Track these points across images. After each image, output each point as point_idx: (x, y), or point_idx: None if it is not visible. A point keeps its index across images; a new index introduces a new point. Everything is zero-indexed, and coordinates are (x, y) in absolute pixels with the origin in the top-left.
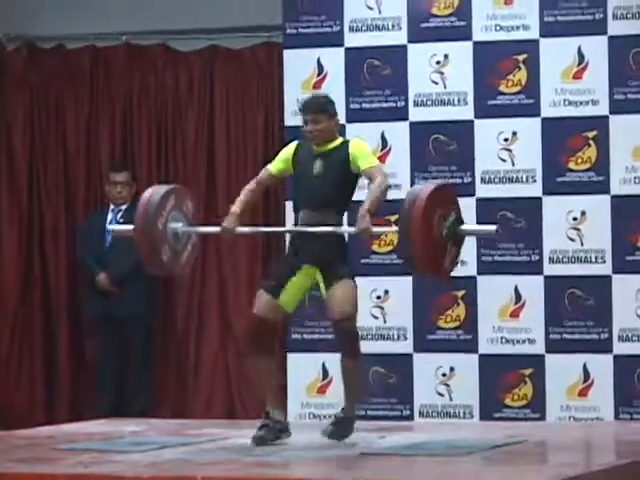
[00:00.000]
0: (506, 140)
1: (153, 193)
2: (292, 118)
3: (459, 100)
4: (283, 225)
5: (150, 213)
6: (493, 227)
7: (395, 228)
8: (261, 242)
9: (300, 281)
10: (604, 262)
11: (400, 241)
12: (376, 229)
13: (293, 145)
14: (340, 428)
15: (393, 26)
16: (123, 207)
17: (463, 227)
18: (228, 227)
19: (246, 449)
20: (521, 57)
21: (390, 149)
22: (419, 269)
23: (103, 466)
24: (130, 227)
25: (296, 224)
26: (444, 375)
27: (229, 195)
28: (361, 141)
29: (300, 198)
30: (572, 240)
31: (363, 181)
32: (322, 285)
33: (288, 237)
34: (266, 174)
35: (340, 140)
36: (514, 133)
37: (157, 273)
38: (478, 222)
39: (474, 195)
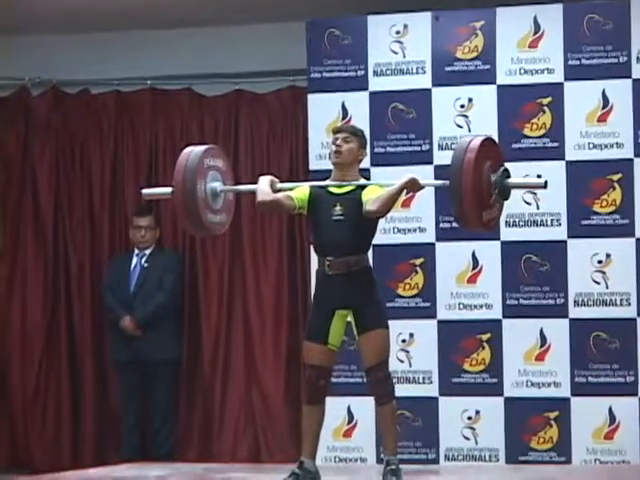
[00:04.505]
0: None
1: (192, 152)
2: (317, 162)
3: None
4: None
5: (190, 171)
6: (542, 180)
7: (444, 181)
8: (286, 282)
9: (338, 322)
10: (629, 305)
11: (451, 191)
12: (424, 182)
13: (306, 186)
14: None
15: (417, 70)
16: (147, 251)
17: (511, 180)
18: (272, 179)
19: None
20: (545, 100)
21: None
22: (468, 220)
23: None
24: (165, 189)
25: (323, 270)
26: (469, 418)
27: (253, 238)
28: (377, 187)
29: (323, 244)
30: (597, 283)
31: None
32: (355, 327)
33: (314, 281)
34: (284, 194)
35: (357, 184)
36: (539, 176)
37: (197, 233)
38: (502, 266)
39: (499, 239)
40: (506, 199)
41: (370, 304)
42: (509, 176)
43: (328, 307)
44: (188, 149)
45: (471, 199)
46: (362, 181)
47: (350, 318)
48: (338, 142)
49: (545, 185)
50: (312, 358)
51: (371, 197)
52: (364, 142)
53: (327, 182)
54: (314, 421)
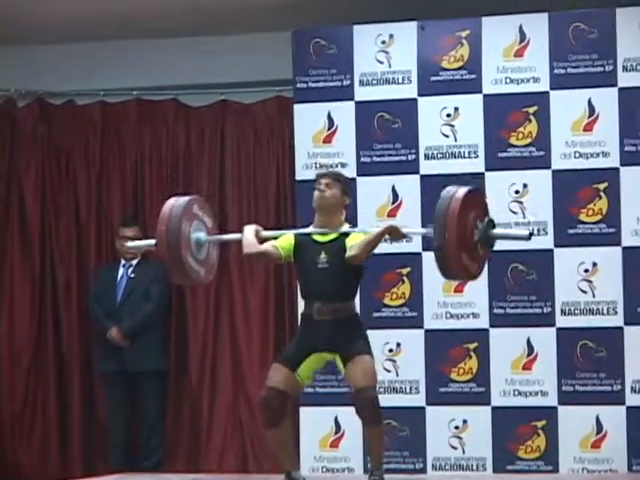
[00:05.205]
0: (517, 192)
1: (175, 203)
2: (303, 172)
3: (470, 153)
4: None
5: (174, 223)
6: (525, 232)
7: (427, 229)
8: (273, 291)
9: (313, 359)
10: (616, 314)
11: (435, 241)
12: (407, 230)
13: (291, 234)
14: None
15: (403, 80)
16: (134, 262)
17: (495, 230)
18: (257, 228)
19: None
20: (531, 109)
21: (401, 202)
22: (451, 270)
23: None
24: (149, 242)
25: (310, 314)
26: (457, 428)
27: (240, 246)
28: (360, 234)
29: (310, 291)
30: (584, 292)
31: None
32: (340, 363)
33: (299, 318)
34: (270, 245)
35: (340, 232)
36: (525, 185)
37: (183, 282)
38: (489, 274)
39: None
40: (491, 248)
41: (357, 340)
42: (494, 227)
43: (310, 347)
44: (171, 199)
45: (455, 249)
46: (345, 228)
47: (336, 356)
48: (321, 187)
49: (529, 237)
50: (272, 379)
51: (353, 244)
52: (347, 191)
53: (311, 229)
54: (284, 439)
